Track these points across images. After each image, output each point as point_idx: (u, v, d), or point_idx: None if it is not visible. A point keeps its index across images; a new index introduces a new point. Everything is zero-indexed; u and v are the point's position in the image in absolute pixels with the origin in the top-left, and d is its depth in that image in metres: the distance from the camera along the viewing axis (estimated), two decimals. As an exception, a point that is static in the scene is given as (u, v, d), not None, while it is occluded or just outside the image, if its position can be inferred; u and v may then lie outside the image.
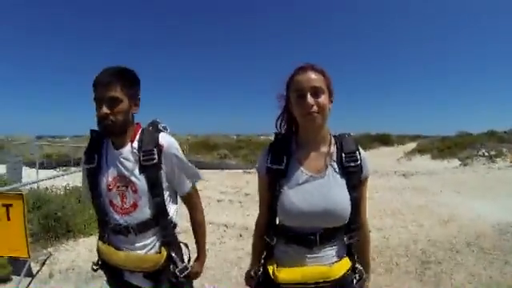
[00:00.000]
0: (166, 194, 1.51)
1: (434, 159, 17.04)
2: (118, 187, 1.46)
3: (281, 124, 1.38)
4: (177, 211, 1.61)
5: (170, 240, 1.53)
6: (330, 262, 1.28)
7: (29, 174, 9.02)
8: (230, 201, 7.44)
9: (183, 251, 1.62)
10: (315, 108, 1.21)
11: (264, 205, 1.38)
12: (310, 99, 1.21)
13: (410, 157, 19.47)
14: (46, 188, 5.62)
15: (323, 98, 1.22)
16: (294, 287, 1.27)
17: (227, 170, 13.11)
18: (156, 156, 1.44)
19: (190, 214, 1.68)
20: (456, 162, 14.09)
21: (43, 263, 3.85)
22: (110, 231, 1.51)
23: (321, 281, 1.26)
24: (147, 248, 1.50)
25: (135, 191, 1.45)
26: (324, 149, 1.31)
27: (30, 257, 3.34)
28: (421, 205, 6.66)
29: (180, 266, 1.54)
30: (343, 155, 1.29)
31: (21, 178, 8.12)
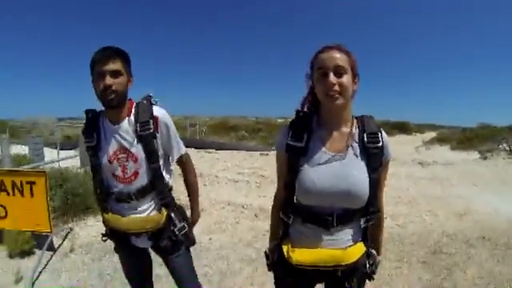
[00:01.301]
0: (161, 160, 1.66)
1: (453, 150, 16.65)
2: (119, 159, 1.59)
3: (305, 103, 1.37)
4: (171, 175, 1.76)
5: (167, 202, 1.68)
6: (345, 246, 1.29)
7: (50, 154, 9.27)
8: (246, 181, 7.49)
9: (181, 212, 1.77)
10: (337, 87, 1.18)
11: (281, 181, 1.39)
12: (332, 78, 1.18)
13: (428, 146, 19.09)
14: (67, 167, 5.80)
15: (346, 78, 1.19)
16: (307, 268, 1.29)
17: (245, 152, 13.15)
18: (152, 126, 1.58)
19: (185, 175, 1.85)
20: (475, 155, 13.72)
21: (64, 238, 4.02)
22: (113, 202, 1.66)
23: (334, 264, 1.27)
24: (148, 210, 1.66)
25: (135, 161, 1.58)
26: (346, 129, 1.29)
27: (52, 231, 3.50)
28: (437, 195, 6.57)
29: (178, 225, 1.70)
30: (365, 136, 1.27)
31: (43, 157, 8.36)
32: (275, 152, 1.41)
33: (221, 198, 6.00)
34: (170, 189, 1.73)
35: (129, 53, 1.61)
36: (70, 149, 10.43)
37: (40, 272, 3.27)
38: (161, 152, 1.65)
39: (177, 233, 1.69)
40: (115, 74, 1.50)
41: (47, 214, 3.43)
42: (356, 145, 1.27)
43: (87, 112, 1.66)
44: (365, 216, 1.30)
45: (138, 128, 1.57)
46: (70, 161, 6.39)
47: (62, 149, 10.29)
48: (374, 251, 1.41)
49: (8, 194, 3.49)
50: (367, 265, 1.37)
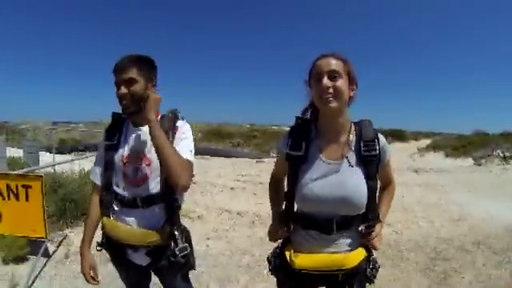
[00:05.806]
0: None
1: (448, 157, 16.77)
2: (134, 161, 1.56)
3: (306, 111, 1.40)
4: (182, 194, 1.64)
5: (173, 219, 1.59)
6: (346, 250, 1.31)
7: (45, 159, 9.18)
8: (243, 189, 7.52)
9: (184, 234, 1.64)
10: (331, 90, 1.21)
11: (279, 172, 1.47)
12: (325, 81, 1.21)
13: (423, 153, 19.22)
14: (62, 172, 5.75)
15: (340, 82, 1.22)
16: (309, 273, 1.32)
17: (240, 158, 13.17)
18: (171, 136, 1.53)
19: None
20: (470, 161, 13.86)
21: (59, 244, 3.96)
22: (116, 205, 1.59)
23: (335, 269, 1.30)
24: (151, 223, 1.56)
25: (148, 165, 1.54)
26: (343, 137, 1.31)
27: (47, 237, 3.45)
28: (432, 202, 6.63)
29: (180, 245, 1.58)
30: (362, 144, 1.29)
31: (38, 161, 8.27)
32: (274, 159, 1.44)
33: (217, 205, 5.99)
34: (179, 206, 1.63)
35: (153, 58, 1.61)
36: (68, 153, 10.36)
37: (35, 279, 3.22)
38: None
39: (177, 253, 1.56)
40: (129, 82, 1.49)
41: (43, 220, 3.38)
42: (352, 153, 1.30)
43: (114, 114, 1.67)
44: (364, 222, 1.32)
45: None
46: (67, 165, 6.33)
47: (57, 152, 10.22)
48: (374, 256, 1.44)
49: (3, 198, 3.45)
50: (368, 269, 1.39)
